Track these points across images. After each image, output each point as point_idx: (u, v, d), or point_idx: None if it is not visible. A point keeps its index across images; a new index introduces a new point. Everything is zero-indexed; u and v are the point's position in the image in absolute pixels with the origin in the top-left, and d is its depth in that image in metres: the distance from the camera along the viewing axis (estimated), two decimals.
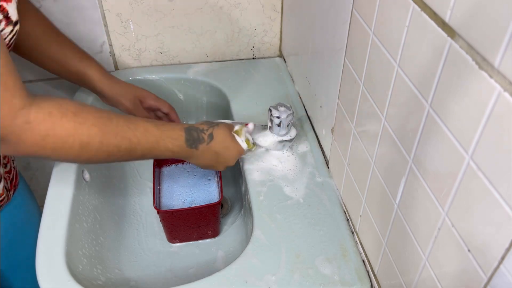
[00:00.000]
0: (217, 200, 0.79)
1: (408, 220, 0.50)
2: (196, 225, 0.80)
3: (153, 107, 0.87)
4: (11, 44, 0.59)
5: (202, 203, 0.82)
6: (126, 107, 0.84)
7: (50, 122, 0.52)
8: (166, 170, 0.90)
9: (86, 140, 0.55)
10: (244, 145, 0.74)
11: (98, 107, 0.60)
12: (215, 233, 0.84)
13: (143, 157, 0.63)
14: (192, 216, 0.78)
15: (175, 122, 0.89)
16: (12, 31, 0.58)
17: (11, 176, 0.76)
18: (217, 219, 0.82)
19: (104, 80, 0.82)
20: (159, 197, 0.84)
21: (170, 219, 0.78)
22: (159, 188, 0.86)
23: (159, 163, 0.89)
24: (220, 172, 0.85)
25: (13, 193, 0.77)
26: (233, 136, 0.72)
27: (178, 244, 0.84)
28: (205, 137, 0.68)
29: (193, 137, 0.67)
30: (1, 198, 0.73)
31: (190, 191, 0.86)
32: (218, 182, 0.85)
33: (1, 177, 0.73)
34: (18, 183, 0.80)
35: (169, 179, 0.88)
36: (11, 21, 0.57)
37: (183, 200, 0.84)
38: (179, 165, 0.91)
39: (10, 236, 0.77)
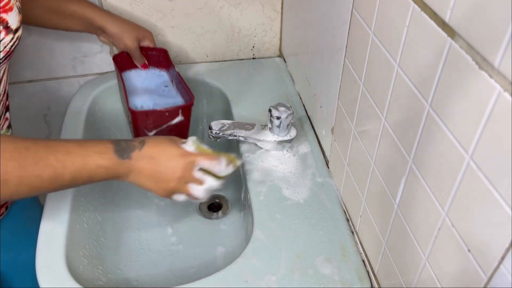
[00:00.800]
0: (188, 102, 0.81)
1: (408, 220, 0.50)
2: (167, 129, 0.80)
3: (146, 49, 0.89)
4: (11, 51, 0.59)
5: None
6: (126, 45, 0.85)
7: None
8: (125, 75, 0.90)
9: (4, 178, 0.50)
10: (190, 148, 0.63)
11: (15, 136, 0.54)
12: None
13: (73, 182, 0.56)
14: (164, 117, 0.78)
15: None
16: (12, 39, 0.58)
17: None
18: (188, 125, 0.82)
19: (106, 17, 0.82)
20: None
21: (143, 121, 0.78)
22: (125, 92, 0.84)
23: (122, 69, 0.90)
24: (179, 75, 0.85)
25: None
26: (172, 141, 0.63)
27: (179, 243, 0.84)
28: (136, 144, 0.60)
29: (122, 147, 0.59)
30: None
31: (151, 98, 0.87)
32: (179, 87, 0.87)
33: None
34: None
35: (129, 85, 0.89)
36: (11, 29, 0.57)
37: (148, 105, 0.85)
38: (138, 69, 0.92)
39: (12, 234, 0.77)
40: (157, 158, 0.60)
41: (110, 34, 0.83)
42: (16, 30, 0.58)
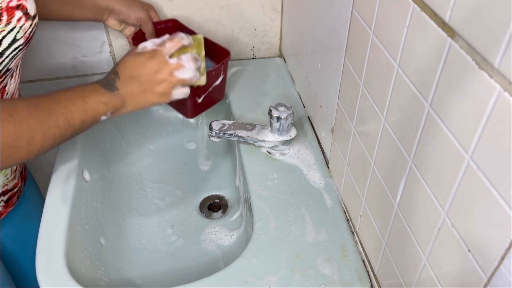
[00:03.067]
0: (226, 57, 0.82)
1: (408, 220, 0.50)
2: (212, 90, 0.82)
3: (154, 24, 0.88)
4: (30, 38, 0.60)
5: None
6: (137, 17, 0.84)
7: None
8: None
9: (30, 135, 0.54)
10: (149, 44, 0.67)
11: (17, 98, 0.59)
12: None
13: (83, 124, 0.61)
14: (210, 78, 0.79)
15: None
16: (31, 25, 0.59)
17: (20, 168, 0.77)
18: (225, 81, 0.85)
19: None
20: None
21: (194, 89, 0.78)
22: None
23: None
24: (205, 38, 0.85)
25: (23, 185, 0.77)
26: (134, 53, 0.67)
27: (179, 243, 0.84)
28: (111, 76, 0.65)
29: (107, 82, 0.64)
30: (17, 188, 0.73)
31: None
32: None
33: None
34: (27, 175, 0.80)
35: None
36: (30, 15, 0.58)
37: None
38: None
39: (19, 229, 0.78)
40: (135, 74, 0.65)
41: (118, 11, 0.82)
42: (34, 17, 0.60)
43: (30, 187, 0.82)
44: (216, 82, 0.82)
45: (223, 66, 0.81)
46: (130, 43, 0.89)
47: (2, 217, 0.72)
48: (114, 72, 0.65)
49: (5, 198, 0.71)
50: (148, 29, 0.87)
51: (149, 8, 0.87)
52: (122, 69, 0.65)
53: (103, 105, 0.62)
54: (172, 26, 0.91)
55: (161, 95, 0.67)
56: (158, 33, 0.89)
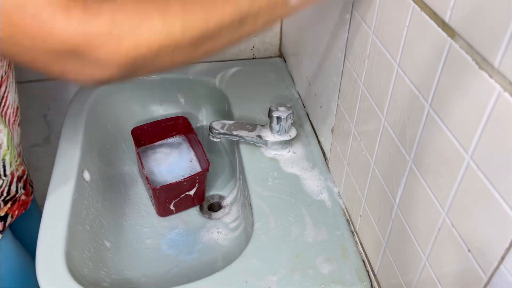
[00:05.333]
0: (203, 169, 0.85)
1: (408, 220, 0.50)
2: (185, 196, 0.85)
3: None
4: None
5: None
6: None
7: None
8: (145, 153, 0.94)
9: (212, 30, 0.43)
10: None
11: None
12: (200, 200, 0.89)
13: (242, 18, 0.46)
14: (183, 187, 0.83)
15: None
16: None
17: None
18: (204, 189, 0.87)
19: None
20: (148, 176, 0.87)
21: (164, 195, 0.83)
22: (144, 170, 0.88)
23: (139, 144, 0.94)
24: (199, 143, 0.89)
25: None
26: None
27: (179, 243, 0.84)
28: None
29: None
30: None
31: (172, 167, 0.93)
32: (196, 150, 0.92)
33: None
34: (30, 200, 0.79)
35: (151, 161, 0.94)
36: None
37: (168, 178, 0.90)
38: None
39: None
40: None
41: None
42: None
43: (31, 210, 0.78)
44: (189, 192, 0.84)
45: (197, 177, 0.82)
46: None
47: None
48: None
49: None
50: None
51: None
52: None
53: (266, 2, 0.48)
54: (181, 123, 0.96)
55: None
56: (166, 129, 0.95)
